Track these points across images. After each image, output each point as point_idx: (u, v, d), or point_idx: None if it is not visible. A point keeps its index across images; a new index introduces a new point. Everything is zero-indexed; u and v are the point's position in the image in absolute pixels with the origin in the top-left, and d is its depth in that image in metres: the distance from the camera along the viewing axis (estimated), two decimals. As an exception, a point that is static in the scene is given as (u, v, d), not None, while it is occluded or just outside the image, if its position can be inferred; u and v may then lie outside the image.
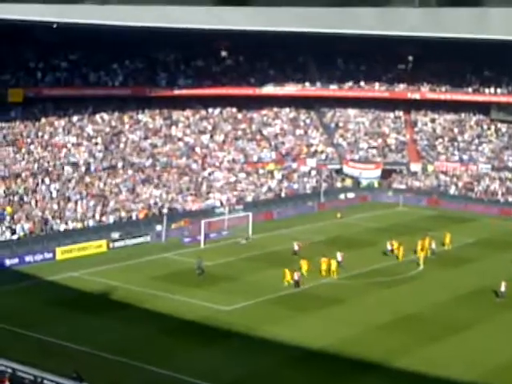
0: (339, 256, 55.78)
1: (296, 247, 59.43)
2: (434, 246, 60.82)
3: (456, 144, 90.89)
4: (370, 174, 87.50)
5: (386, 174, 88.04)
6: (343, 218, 74.95)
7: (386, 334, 42.83)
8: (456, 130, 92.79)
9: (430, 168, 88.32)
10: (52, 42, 75.84)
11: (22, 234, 58.30)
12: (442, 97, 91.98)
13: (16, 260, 55.14)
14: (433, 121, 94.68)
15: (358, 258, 59.30)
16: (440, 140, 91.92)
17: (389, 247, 60.55)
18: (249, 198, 75.92)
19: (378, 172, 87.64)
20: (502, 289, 49.39)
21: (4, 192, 62.55)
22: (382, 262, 58.14)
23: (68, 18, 66.42)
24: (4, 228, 57.83)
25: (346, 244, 63.03)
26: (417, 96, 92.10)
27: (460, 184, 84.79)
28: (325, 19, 79.02)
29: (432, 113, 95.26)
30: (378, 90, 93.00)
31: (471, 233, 69.54)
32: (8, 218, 59.11)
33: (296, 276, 51.26)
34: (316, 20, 78.52)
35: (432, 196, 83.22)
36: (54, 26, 66.85)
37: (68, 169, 69.57)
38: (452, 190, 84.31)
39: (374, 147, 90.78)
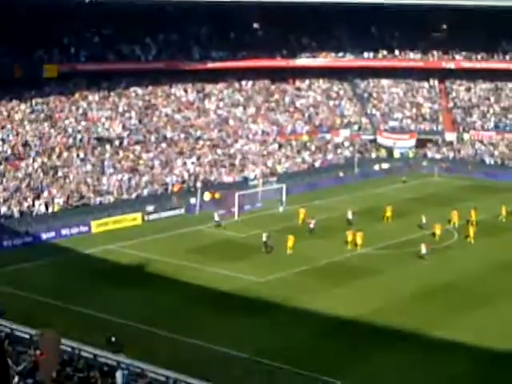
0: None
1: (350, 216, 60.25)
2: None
3: (492, 112, 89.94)
4: (404, 144, 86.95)
5: (421, 144, 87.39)
6: (406, 183, 77.03)
7: (419, 304, 42.84)
8: (492, 99, 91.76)
9: (466, 137, 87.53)
10: (85, 17, 76.06)
11: (57, 207, 58.97)
12: (478, 65, 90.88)
13: (52, 233, 55.90)
14: (468, 89, 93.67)
15: (393, 228, 59.22)
16: (475, 109, 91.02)
17: None
18: (282, 170, 75.92)
19: (413, 142, 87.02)
20: None
21: (40, 166, 63.25)
22: (416, 233, 57.91)
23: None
24: (40, 202, 58.53)
25: (380, 215, 62.81)
26: (452, 65, 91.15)
27: (496, 153, 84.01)
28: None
29: (467, 81, 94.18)
30: (413, 59, 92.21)
31: (508, 202, 68.78)
32: (43, 191, 59.79)
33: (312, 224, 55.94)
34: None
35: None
36: (87, 0, 67.11)
37: (102, 143, 70.08)
38: (488, 159, 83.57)
39: (408, 117, 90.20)
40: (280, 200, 65.94)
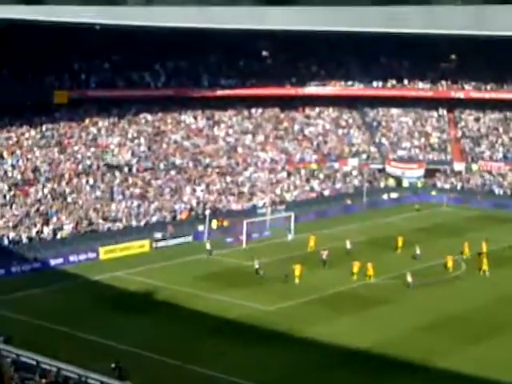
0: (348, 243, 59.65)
1: (324, 256, 57.07)
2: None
3: (500, 143, 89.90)
4: (412, 174, 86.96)
5: (430, 174, 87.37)
6: (420, 211, 77.74)
7: (428, 335, 42.56)
8: (501, 129, 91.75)
9: (474, 167, 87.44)
10: (95, 43, 76.50)
11: (65, 233, 58.95)
12: (487, 95, 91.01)
13: (60, 260, 55.85)
14: (477, 120, 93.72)
15: (401, 258, 58.97)
16: (484, 139, 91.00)
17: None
18: (291, 198, 75.90)
19: (421, 171, 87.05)
20: None
21: (49, 192, 63.34)
22: (425, 263, 57.66)
23: (111, 19, 66.96)
24: (49, 228, 58.54)
25: (389, 244, 62.72)
26: (461, 95, 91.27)
27: (505, 183, 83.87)
28: (367, 18, 78.57)
29: (476, 111, 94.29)
30: (422, 88, 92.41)
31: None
32: (52, 217, 59.82)
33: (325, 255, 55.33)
34: (359, 19, 78.12)
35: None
36: (98, 27, 67.49)
37: (111, 169, 70.21)
38: (497, 190, 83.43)
39: (416, 146, 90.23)
40: (288, 228, 65.82)
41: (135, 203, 66.06)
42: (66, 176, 66.54)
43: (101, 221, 61.99)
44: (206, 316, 45.21)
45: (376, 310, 46.87)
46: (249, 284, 51.67)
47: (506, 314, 46.41)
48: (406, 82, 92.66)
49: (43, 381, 30.33)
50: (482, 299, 49.29)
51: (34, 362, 32.71)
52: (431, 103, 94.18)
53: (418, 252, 58.84)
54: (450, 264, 55.68)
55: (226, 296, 48.79)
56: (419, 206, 78.93)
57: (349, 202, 78.59)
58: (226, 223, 66.89)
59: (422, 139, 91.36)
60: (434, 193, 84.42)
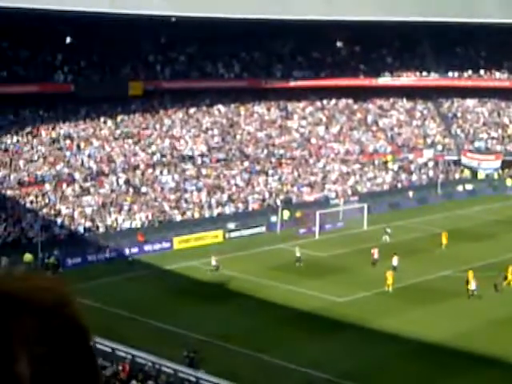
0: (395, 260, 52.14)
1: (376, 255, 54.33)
2: None
3: None
4: (489, 165, 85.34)
5: (507, 165, 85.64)
6: None
7: (506, 329, 41.79)
8: None
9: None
10: (170, 35, 77.18)
11: (140, 224, 59.72)
12: None
13: (136, 249, 56.63)
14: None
15: (476, 250, 58.03)
16: None
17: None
18: (364, 190, 75.42)
19: (498, 163, 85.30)
20: None
21: (124, 183, 64.25)
22: (505, 255, 56.50)
23: (186, 11, 67.48)
24: (123, 218, 59.41)
25: (466, 236, 61.80)
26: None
27: None
28: (444, 8, 77.48)
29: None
30: (499, 78, 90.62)
31: None
32: (127, 208, 60.68)
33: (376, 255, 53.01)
34: (435, 9, 77.09)
35: None
36: (173, 19, 68.06)
37: (185, 160, 70.81)
38: None
39: (493, 138, 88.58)
40: (385, 231, 61.93)
41: (208, 194, 66.49)
42: (141, 167, 67.37)
43: (174, 211, 62.59)
44: (277, 306, 45.28)
45: (451, 302, 46.19)
46: (322, 275, 51.51)
47: None
48: (482, 72, 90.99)
49: (119, 368, 30.90)
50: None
51: (110, 350, 33.35)
52: (509, 94, 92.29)
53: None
54: None
55: (298, 287, 48.77)
56: None
57: (410, 194, 76.96)
58: (298, 214, 66.83)
59: (499, 130, 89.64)
60: (510, 184, 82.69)
